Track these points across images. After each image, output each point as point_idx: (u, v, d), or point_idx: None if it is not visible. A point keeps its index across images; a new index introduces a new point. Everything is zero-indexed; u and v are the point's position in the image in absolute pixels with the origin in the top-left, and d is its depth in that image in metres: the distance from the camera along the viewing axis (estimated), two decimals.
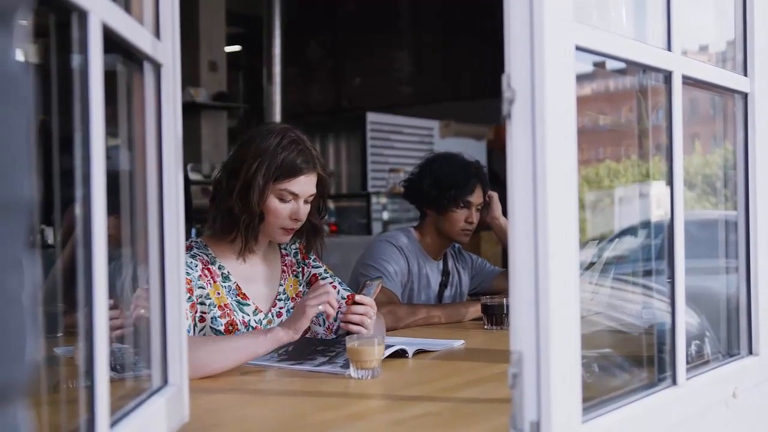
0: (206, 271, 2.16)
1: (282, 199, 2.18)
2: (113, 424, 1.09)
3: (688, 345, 1.61)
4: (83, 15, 1.00)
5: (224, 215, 2.19)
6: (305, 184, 2.20)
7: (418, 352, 2.17)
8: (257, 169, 2.14)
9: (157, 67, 1.35)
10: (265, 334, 1.98)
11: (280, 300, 2.32)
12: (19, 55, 0.61)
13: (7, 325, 0.57)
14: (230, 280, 2.21)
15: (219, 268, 2.21)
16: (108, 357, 1.04)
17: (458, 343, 2.34)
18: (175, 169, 1.38)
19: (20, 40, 0.61)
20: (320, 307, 1.98)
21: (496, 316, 2.63)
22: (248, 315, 2.21)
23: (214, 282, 2.18)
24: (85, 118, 1.01)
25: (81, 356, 1.45)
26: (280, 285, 2.34)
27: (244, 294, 2.23)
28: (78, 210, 1.01)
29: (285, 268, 2.37)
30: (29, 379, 0.62)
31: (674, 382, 1.51)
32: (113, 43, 1.12)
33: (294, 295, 2.35)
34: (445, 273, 3.13)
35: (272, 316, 2.28)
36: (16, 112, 0.58)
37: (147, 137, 1.35)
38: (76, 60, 1.02)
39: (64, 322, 1.33)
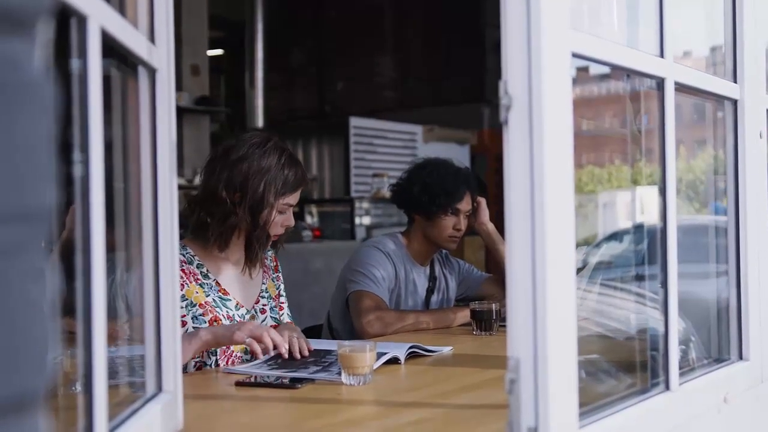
0: (181, 272, 2.18)
1: (280, 212, 2.29)
2: (110, 431, 1.08)
3: None
4: (82, 20, 0.99)
5: (229, 230, 2.25)
6: (298, 195, 2.34)
7: (411, 355, 2.17)
8: (266, 189, 2.23)
9: (152, 72, 1.34)
10: (189, 341, 2.00)
11: (263, 297, 2.41)
12: (41, 62, 0.60)
13: (30, 334, 0.57)
14: (210, 278, 2.27)
15: (197, 267, 2.27)
16: (106, 364, 1.03)
17: (447, 350, 2.34)
18: (170, 174, 1.37)
19: (41, 48, 0.61)
20: (247, 340, 2.02)
21: (485, 322, 2.63)
22: (231, 310, 2.28)
23: (191, 282, 2.23)
24: (84, 123, 1.00)
25: (69, 363, 1.44)
26: (263, 283, 2.42)
27: (225, 290, 2.29)
28: (77, 214, 1.00)
29: (266, 268, 2.46)
30: (49, 387, 0.61)
31: (667, 387, 1.52)
32: (109, 47, 1.11)
33: (274, 296, 2.45)
34: (432, 279, 3.13)
35: (256, 312, 2.36)
36: (38, 119, 0.58)
37: (141, 142, 1.34)
38: (74, 64, 1.01)
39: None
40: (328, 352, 2.14)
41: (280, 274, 2.51)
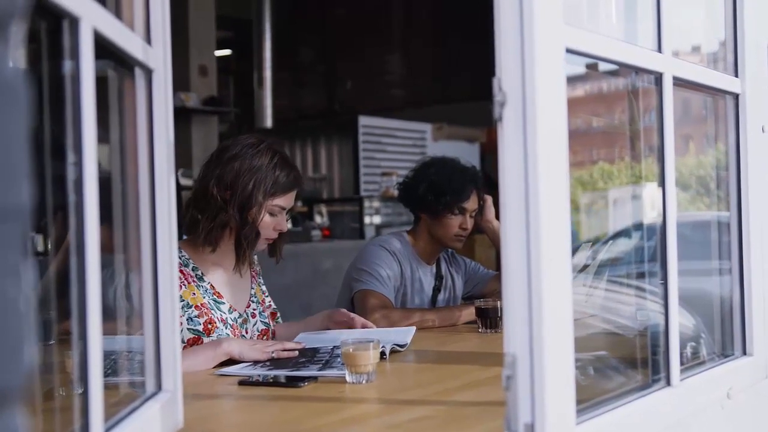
0: (180, 274, 2.21)
1: (271, 214, 2.31)
2: (107, 430, 1.09)
3: (684, 347, 1.61)
4: (75, 21, 0.99)
5: (218, 228, 2.27)
6: (292, 199, 2.36)
7: (395, 351, 2.21)
8: (255, 187, 2.25)
9: (148, 73, 1.35)
10: (214, 350, 2.08)
11: (253, 301, 2.44)
12: (16, 62, 0.61)
13: (5, 331, 0.57)
14: (205, 281, 2.30)
15: (193, 270, 2.30)
16: (102, 364, 1.03)
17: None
18: (168, 175, 1.38)
19: (16, 47, 0.61)
20: (274, 354, 2.12)
21: (490, 319, 2.63)
22: (225, 313, 2.31)
23: (189, 283, 2.26)
24: (76, 124, 1.01)
25: (70, 364, 1.45)
26: (252, 288, 2.46)
27: (219, 293, 2.32)
28: (70, 217, 1.01)
29: (254, 274, 2.50)
30: (27, 385, 0.62)
31: (668, 382, 1.51)
32: (104, 49, 1.12)
33: (260, 300, 2.48)
34: (439, 277, 3.12)
35: (247, 316, 2.39)
36: (14, 118, 0.58)
37: (139, 143, 1.35)
38: (67, 66, 1.01)
39: (57, 329, 1.32)
40: (317, 350, 2.19)
41: (261, 279, 2.55)
